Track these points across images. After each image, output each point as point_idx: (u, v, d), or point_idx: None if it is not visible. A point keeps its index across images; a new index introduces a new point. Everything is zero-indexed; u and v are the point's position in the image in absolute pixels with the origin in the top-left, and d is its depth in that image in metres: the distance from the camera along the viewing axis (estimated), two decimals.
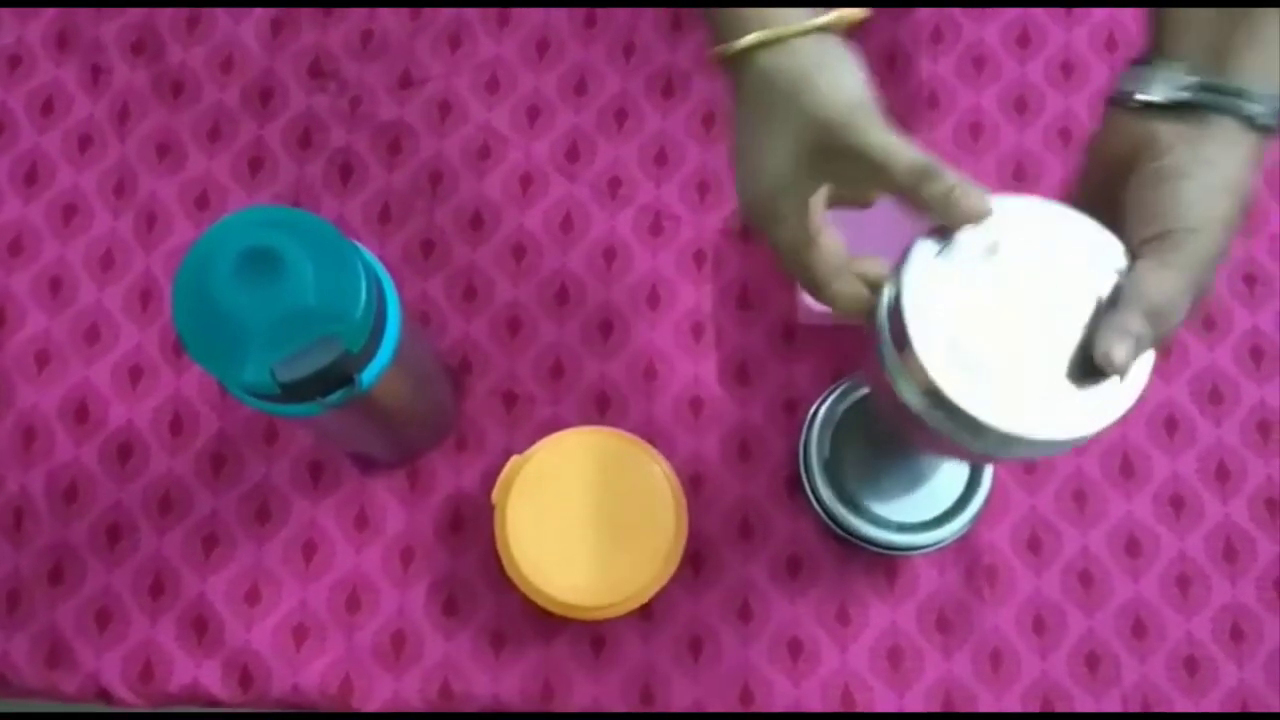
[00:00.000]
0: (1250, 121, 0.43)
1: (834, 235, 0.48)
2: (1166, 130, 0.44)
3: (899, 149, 0.42)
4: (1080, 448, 0.63)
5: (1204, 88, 0.43)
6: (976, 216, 0.41)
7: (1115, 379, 0.40)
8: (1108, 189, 0.46)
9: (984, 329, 0.41)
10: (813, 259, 0.47)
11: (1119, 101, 0.46)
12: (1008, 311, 0.41)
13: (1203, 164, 0.43)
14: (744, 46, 0.45)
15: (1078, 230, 0.42)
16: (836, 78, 0.44)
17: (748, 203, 0.47)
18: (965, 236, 0.42)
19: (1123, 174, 0.45)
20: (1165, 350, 0.41)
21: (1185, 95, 0.44)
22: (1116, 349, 0.40)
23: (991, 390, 0.40)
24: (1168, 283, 0.41)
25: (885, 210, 0.46)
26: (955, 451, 0.46)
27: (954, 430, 0.41)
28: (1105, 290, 0.41)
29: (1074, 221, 0.43)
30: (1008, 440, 0.40)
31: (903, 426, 0.45)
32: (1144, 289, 0.41)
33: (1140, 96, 0.45)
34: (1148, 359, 0.41)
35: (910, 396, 0.42)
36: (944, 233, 0.42)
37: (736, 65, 0.46)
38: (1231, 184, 0.43)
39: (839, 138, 0.43)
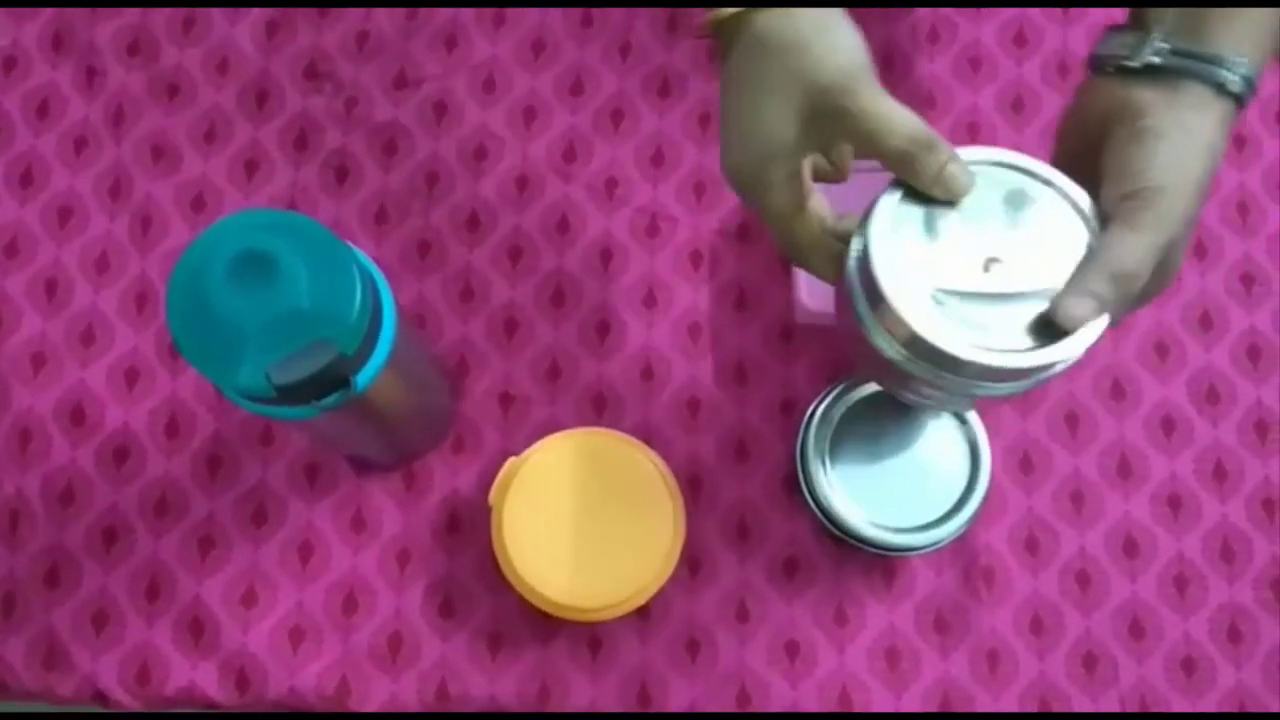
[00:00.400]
0: (1222, 88, 0.45)
1: (821, 202, 0.49)
2: (1143, 94, 0.45)
3: (900, 116, 0.44)
4: (1077, 448, 0.64)
5: (1179, 53, 0.45)
6: (962, 192, 0.44)
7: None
8: (1084, 156, 0.47)
9: (952, 274, 0.43)
10: (800, 227, 0.48)
11: (1098, 67, 0.48)
12: (974, 254, 0.43)
13: (1177, 127, 0.44)
14: (741, 9, 0.46)
15: (1039, 176, 0.45)
16: (835, 41, 0.45)
17: (736, 167, 0.47)
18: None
19: (1098, 139, 0.46)
20: (1128, 310, 0.46)
21: (1160, 60, 0.45)
22: (1078, 309, 0.42)
23: (968, 328, 0.42)
24: (1137, 247, 0.43)
25: (871, 181, 0.47)
26: (938, 398, 0.47)
27: (935, 373, 0.43)
28: (1070, 231, 0.44)
29: (1036, 169, 0.45)
30: (991, 372, 0.42)
31: (884, 379, 0.47)
32: (1112, 252, 0.43)
33: (1119, 62, 0.46)
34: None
35: (886, 346, 0.43)
36: (907, 187, 0.44)
37: (731, 29, 0.47)
38: (1204, 147, 0.45)
39: (836, 101, 0.44)
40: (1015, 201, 0.45)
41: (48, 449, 0.65)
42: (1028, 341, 0.42)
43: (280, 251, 0.43)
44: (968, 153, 0.45)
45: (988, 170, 0.45)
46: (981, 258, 0.43)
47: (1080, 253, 0.44)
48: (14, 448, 0.65)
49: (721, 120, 0.48)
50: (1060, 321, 0.42)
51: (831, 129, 0.45)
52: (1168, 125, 0.44)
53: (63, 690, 0.62)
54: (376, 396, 0.48)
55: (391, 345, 0.47)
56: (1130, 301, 0.44)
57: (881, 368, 0.44)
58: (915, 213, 0.44)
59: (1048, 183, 0.45)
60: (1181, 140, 0.44)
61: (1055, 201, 0.45)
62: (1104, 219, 0.44)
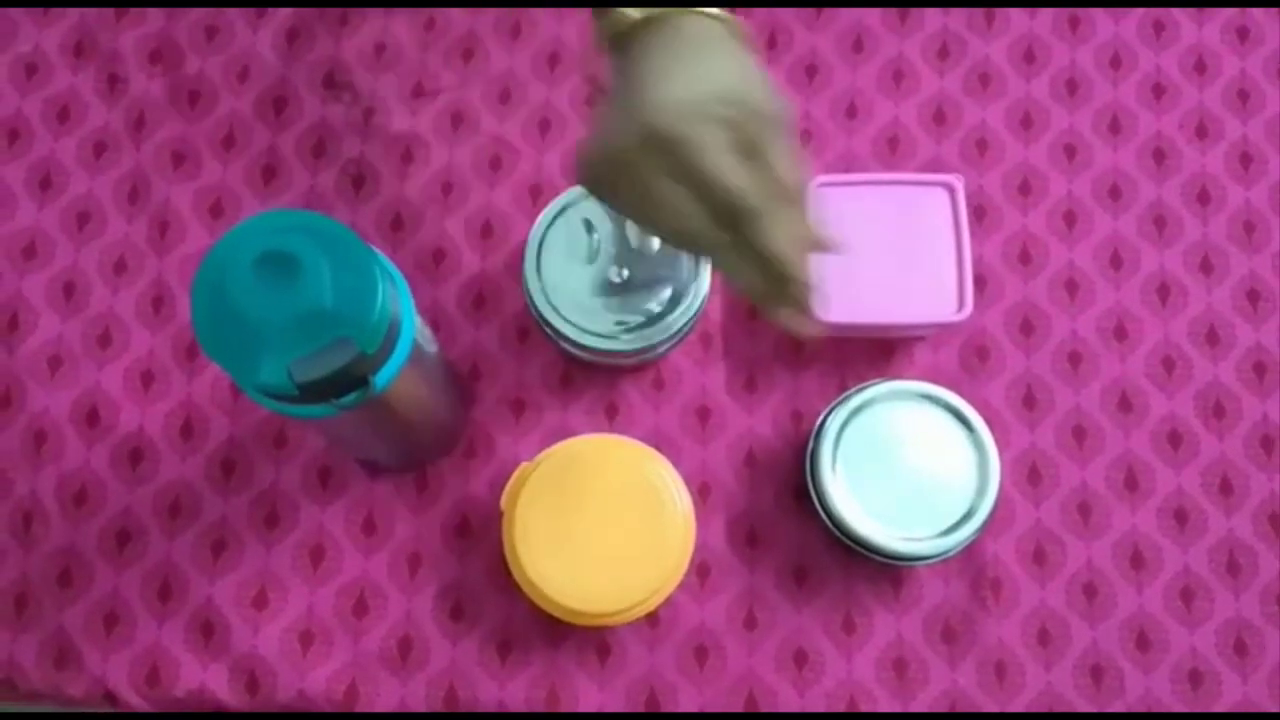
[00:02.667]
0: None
1: None
2: None
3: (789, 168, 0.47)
4: (1084, 460, 0.64)
5: None
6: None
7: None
8: None
9: (598, 280, 0.59)
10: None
11: None
12: (610, 264, 0.59)
13: None
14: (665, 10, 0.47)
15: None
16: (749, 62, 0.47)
17: (678, 103, 0.45)
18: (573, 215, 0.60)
19: None
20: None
21: None
22: None
23: (609, 315, 0.59)
24: None
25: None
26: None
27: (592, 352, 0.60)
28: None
29: None
30: (622, 354, 0.60)
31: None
32: None
33: None
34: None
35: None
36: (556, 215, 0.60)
37: (658, 21, 0.47)
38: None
39: (763, 112, 0.46)
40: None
41: (63, 450, 0.65)
42: (644, 327, 0.58)
43: (304, 251, 0.43)
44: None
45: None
46: (615, 268, 0.59)
47: (679, 257, 0.59)
48: (29, 448, 0.65)
49: (640, 79, 0.46)
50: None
51: (740, 122, 0.45)
52: None
53: (73, 690, 0.62)
54: (394, 397, 0.49)
55: (411, 345, 0.48)
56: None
57: None
58: (562, 237, 0.59)
59: None
60: None
61: None
62: None
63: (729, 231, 0.46)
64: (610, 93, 0.49)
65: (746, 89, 0.46)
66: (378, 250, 0.52)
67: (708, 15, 0.47)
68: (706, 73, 0.45)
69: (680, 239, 0.47)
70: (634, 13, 0.47)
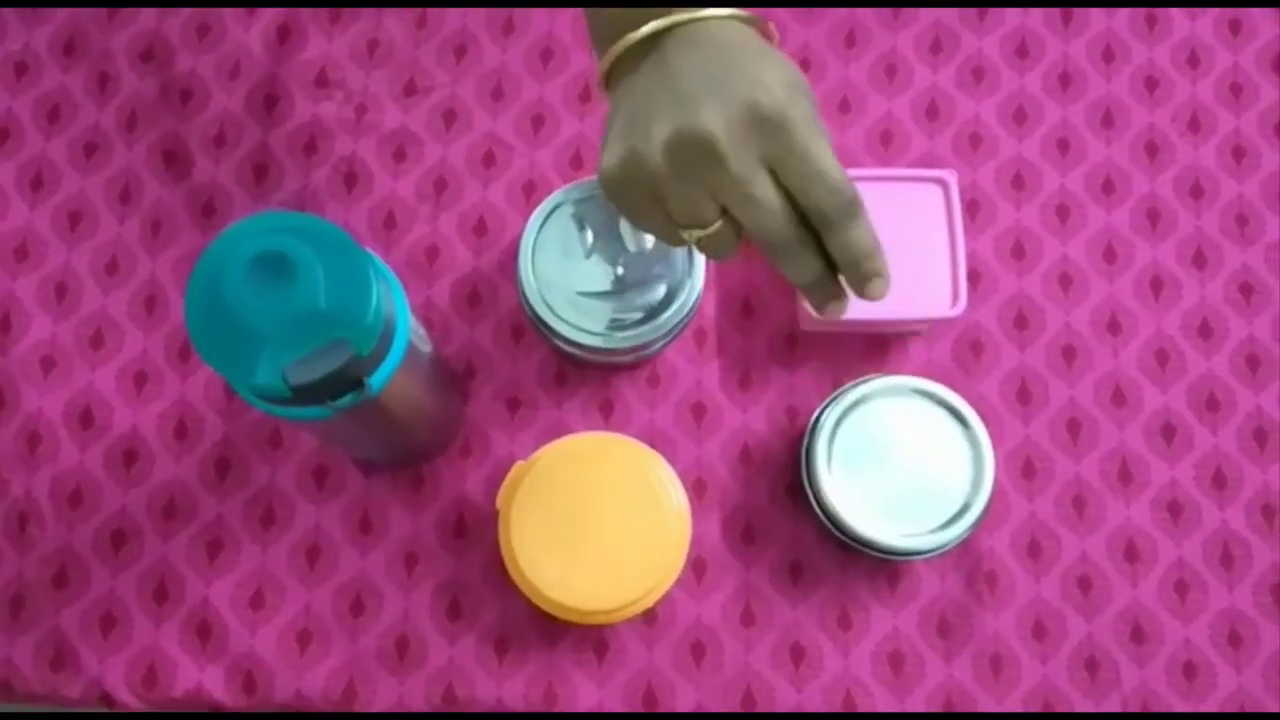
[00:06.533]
0: None
1: None
2: None
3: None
4: (1078, 454, 0.64)
5: None
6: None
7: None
8: None
9: (587, 279, 0.58)
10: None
11: None
12: (603, 264, 0.58)
13: None
14: (731, 14, 0.45)
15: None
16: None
17: (788, 84, 0.43)
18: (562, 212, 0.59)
19: None
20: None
21: None
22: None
23: (596, 320, 0.58)
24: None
25: None
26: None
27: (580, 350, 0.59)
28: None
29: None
30: (611, 351, 0.59)
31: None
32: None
33: None
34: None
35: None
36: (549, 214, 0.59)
37: (680, 29, 0.45)
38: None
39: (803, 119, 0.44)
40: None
41: (57, 451, 0.65)
42: (639, 324, 0.57)
43: (298, 253, 0.43)
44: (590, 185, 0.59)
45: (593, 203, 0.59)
46: (609, 266, 0.58)
47: (673, 253, 0.58)
48: (23, 450, 0.65)
49: (718, 73, 0.43)
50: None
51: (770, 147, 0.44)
52: None
53: (70, 692, 0.62)
54: (389, 398, 0.49)
55: (406, 346, 0.48)
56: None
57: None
58: (555, 235, 0.58)
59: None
60: None
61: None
62: None
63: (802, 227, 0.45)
64: (628, 111, 0.46)
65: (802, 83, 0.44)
66: (371, 251, 0.52)
67: (735, 17, 0.45)
68: (773, 64, 0.43)
69: (760, 231, 0.45)
70: (648, 26, 0.45)
